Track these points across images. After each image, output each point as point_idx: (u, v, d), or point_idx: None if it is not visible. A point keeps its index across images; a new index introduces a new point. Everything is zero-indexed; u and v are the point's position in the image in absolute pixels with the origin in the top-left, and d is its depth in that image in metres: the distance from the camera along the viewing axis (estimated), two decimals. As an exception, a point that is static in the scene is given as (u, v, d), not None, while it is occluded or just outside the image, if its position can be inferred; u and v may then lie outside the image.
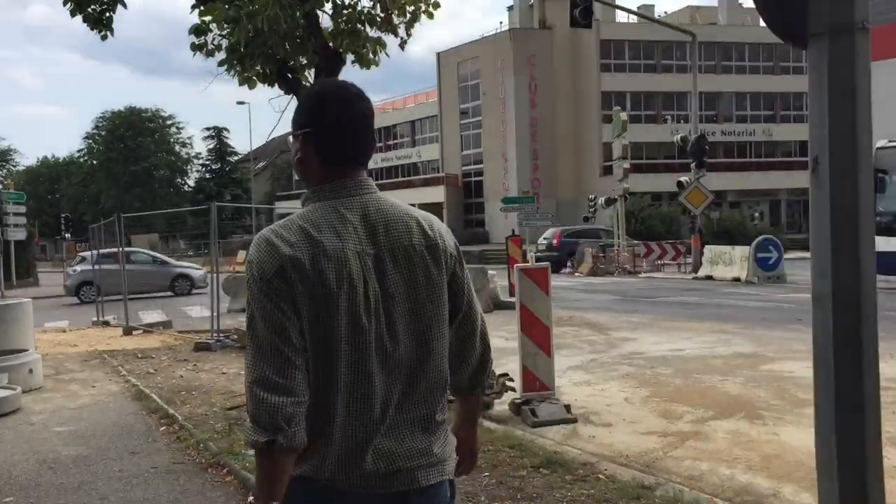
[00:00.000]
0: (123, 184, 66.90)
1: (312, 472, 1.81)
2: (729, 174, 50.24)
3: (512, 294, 16.01)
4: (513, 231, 17.63)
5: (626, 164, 25.38)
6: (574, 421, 6.74)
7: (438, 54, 59.27)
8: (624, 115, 25.25)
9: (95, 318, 17.12)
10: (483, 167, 56.10)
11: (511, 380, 7.36)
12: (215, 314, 12.63)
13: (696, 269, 23.63)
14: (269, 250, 1.78)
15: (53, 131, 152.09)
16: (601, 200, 29.46)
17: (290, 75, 6.00)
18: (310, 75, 6.18)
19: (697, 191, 23.45)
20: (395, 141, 66.94)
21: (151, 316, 17.95)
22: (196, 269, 27.35)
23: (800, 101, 57.06)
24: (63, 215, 43.72)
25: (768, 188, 53.10)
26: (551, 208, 47.47)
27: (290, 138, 1.95)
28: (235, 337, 12.38)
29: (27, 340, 9.71)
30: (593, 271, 27.20)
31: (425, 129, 63.46)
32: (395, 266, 1.84)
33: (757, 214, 48.37)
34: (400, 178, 61.64)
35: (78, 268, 25.21)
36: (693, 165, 23.69)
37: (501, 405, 7.28)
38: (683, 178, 24.14)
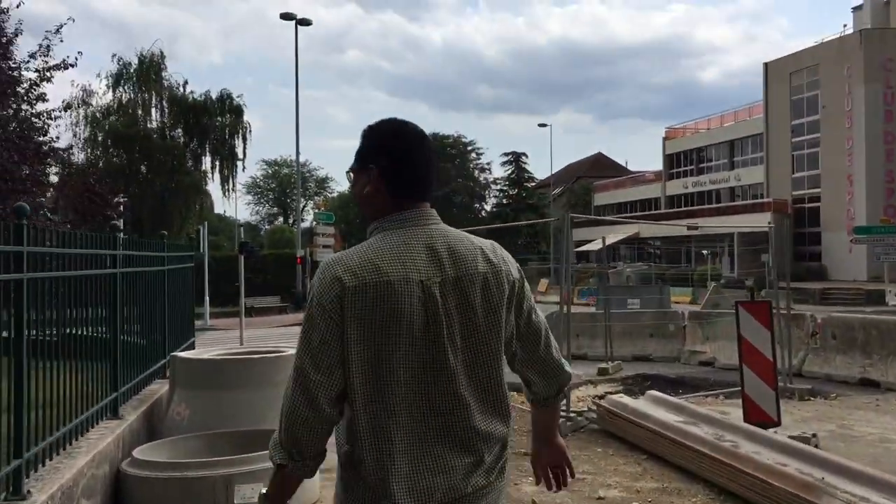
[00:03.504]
0: (426, 209, 67.16)
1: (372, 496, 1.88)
2: None
3: None
4: None
5: None
6: None
7: (766, 64, 52.12)
8: None
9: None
10: (820, 192, 47.89)
11: None
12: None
13: None
14: (331, 279, 1.88)
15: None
16: None
17: None
18: None
19: None
20: (708, 164, 60.42)
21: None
22: None
23: None
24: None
25: None
26: (912, 241, 38.79)
27: (351, 172, 2.09)
28: (594, 414, 8.18)
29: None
30: None
31: (746, 149, 56.30)
32: (457, 292, 1.93)
33: None
34: (714, 205, 55.02)
35: None
36: None
37: None
38: None
